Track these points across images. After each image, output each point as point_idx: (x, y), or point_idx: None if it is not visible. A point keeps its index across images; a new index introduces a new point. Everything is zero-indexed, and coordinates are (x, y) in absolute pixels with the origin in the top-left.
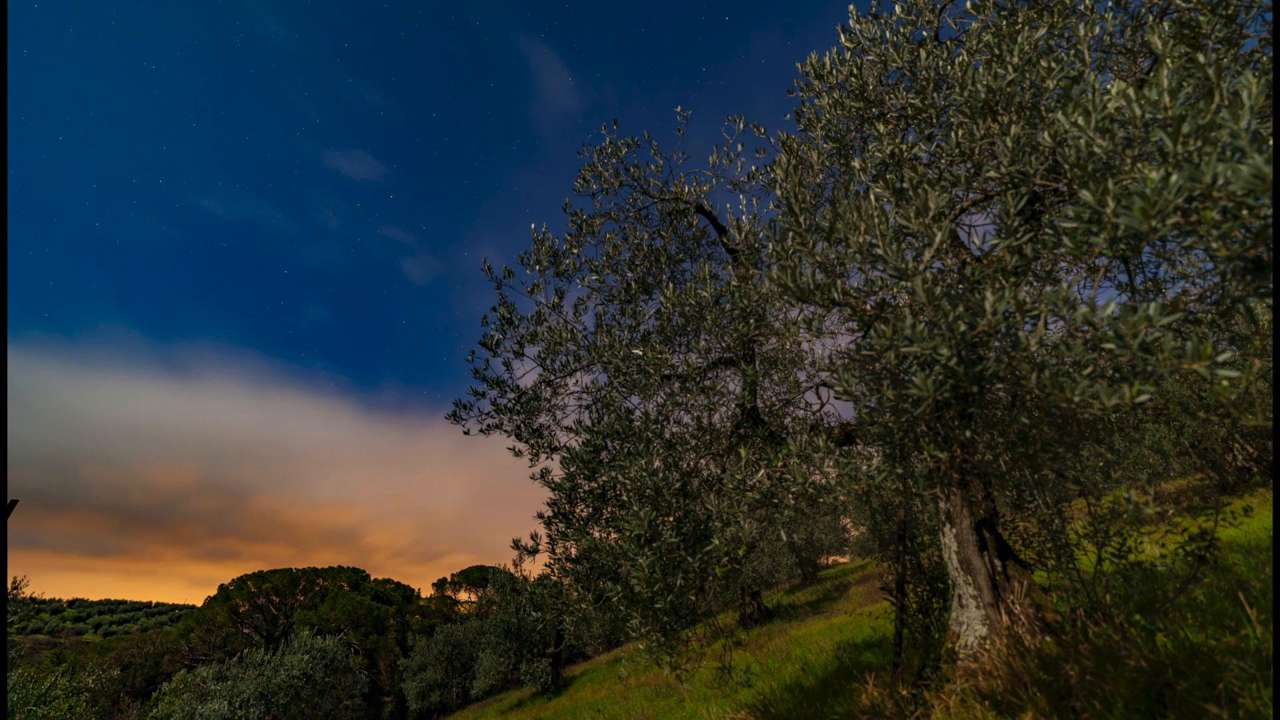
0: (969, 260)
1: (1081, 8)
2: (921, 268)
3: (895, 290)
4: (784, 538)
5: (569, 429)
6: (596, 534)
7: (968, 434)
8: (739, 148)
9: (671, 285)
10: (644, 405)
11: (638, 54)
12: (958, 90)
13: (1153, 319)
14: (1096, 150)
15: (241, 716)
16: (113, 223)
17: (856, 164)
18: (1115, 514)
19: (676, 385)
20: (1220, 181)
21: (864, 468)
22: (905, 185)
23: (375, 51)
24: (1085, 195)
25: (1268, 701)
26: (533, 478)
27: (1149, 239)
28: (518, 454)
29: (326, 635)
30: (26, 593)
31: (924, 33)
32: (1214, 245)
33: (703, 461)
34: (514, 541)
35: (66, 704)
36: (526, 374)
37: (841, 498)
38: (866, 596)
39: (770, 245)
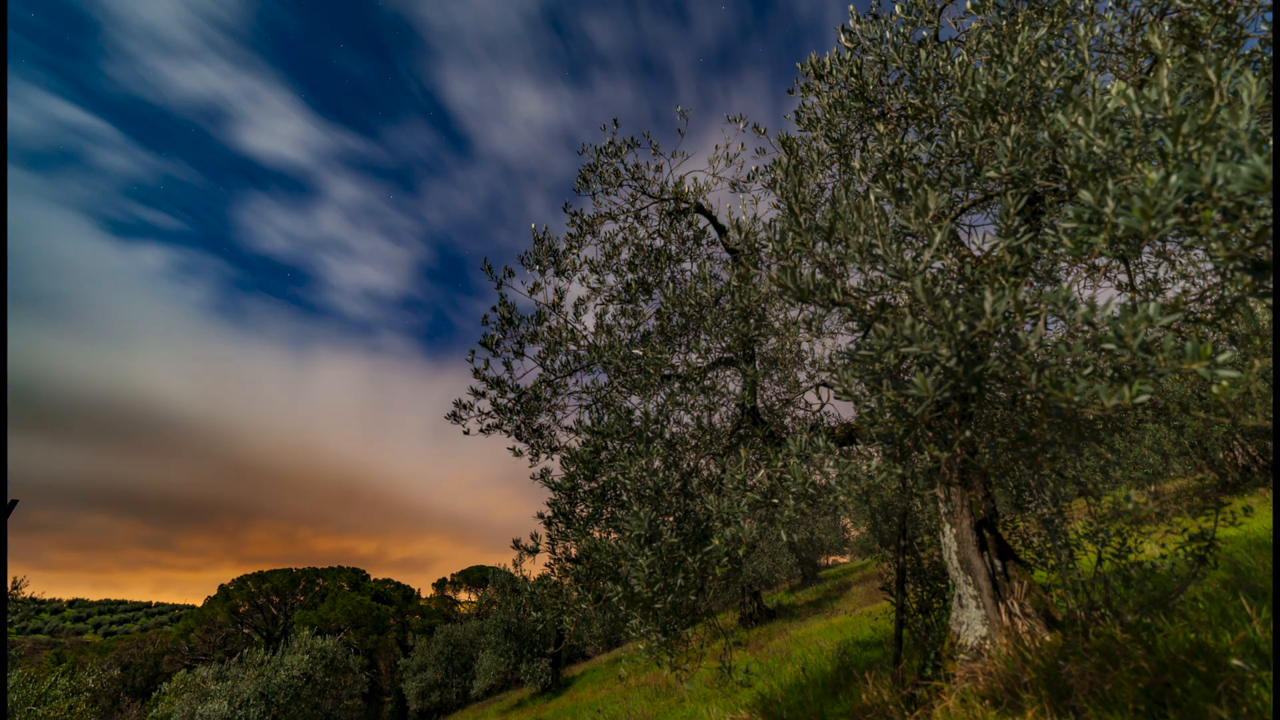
0: (969, 260)
1: (1081, 8)
2: (921, 268)
3: (895, 290)
4: (784, 538)
5: (569, 429)
6: (596, 534)
7: (968, 434)
8: (739, 148)
9: (671, 285)
10: (644, 405)
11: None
12: (958, 90)
13: (1153, 319)
14: (1096, 150)
15: (241, 716)
16: None
17: (856, 164)
18: (1116, 514)
19: (676, 385)
20: (1220, 182)
21: (864, 468)
22: (905, 185)
23: None
24: (1085, 195)
25: (1268, 703)
26: (533, 478)
27: (1149, 239)
28: (518, 454)
29: (326, 635)
30: (26, 593)
31: (924, 33)
32: (1214, 245)
33: (703, 461)
34: (514, 541)
35: (66, 704)
36: (526, 374)
37: (841, 498)
38: (866, 596)
39: (770, 245)
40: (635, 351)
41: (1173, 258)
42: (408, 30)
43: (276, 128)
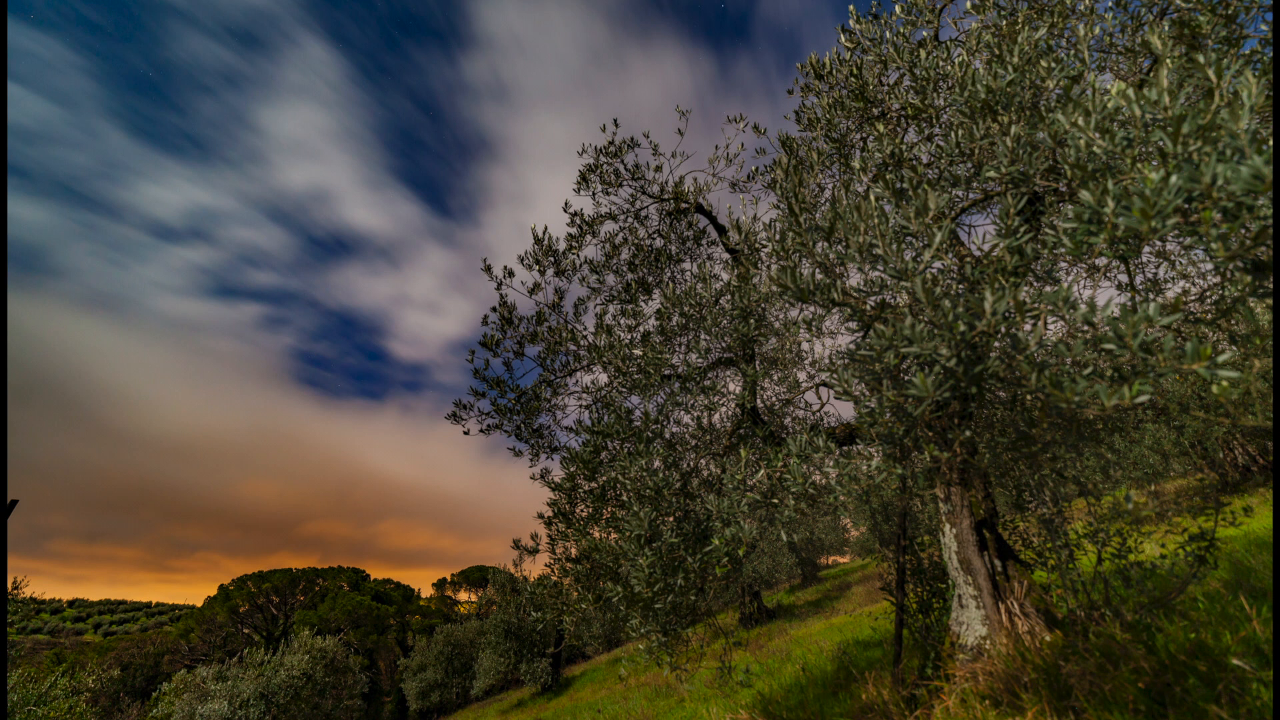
0: (969, 260)
1: (1081, 8)
2: (921, 268)
3: (895, 290)
4: (784, 538)
5: (569, 429)
6: (596, 534)
7: (968, 433)
8: (739, 148)
9: (671, 285)
10: (644, 405)
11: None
12: (958, 90)
13: (1153, 319)
14: (1096, 150)
15: (241, 716)
16: None
17: (856, 164)
18: (1116, 514)
19: (676, 385)
20: (1220, 182)
21: (864, 468)
22: (905, 185)
23: None
24: (1085, 195)
25: (1268, 702)
26: (533, 478)
27: (1149, 239)
28: (518, 454)
29: (326, 635)
30: (26, 593)
31: (924, 33)
32: (1214, 245)
33: (703, 461)
34: (514, 541)
35: (66, 704)
36: (526, 374)
37: (841, 498)
38: (867, 596)
39: (770, 245)
40: (635, 351)
41: (1173, 258)
42: (492, 140)
43: (385, 207)
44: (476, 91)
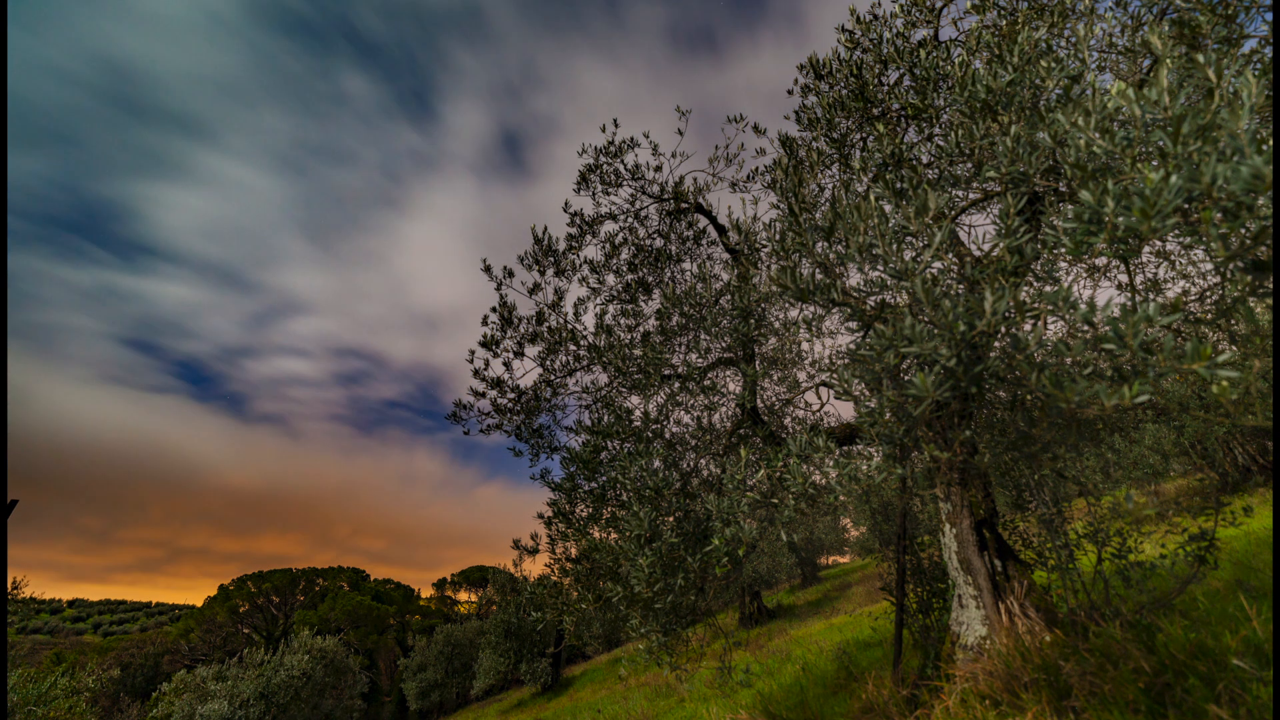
0: (969, 260)
1: (1081, 7)
2: (921, 268)
3: (895, 290)
4: (784, 538)
5: (569, 429)
6: (596, 534)
7: (968, 433)
8: (739, 148)
9: (671, 285)
10: (644, 405)
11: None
12: (958, 90)
13: (1153, 319)
14: (1096, 150)
15: (241, 716)
16: None
17: (856, 164)
18: (1116, 514)
19: (676, 385)
20: (1220, 182)
21: (864, 468)
22: (905, 185)
23: None
24: (1085, 195)
25: (1268, 703)
26: (532, 478)
27: (1149, 239)
28: (518, 454)
29: (326, 635)
30: (26, 593)
31: (924, 33)
32: (1214, 245)
33: (703, 461)
34: (514, 541)
35: (66, 704)
36: (526, 374)
37: (841, 498)
38: (866, 596)
39: (770, 245)
40: (635, 351)
41: (1173, 258)
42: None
43: (467, 284)
44: (545, 210)
